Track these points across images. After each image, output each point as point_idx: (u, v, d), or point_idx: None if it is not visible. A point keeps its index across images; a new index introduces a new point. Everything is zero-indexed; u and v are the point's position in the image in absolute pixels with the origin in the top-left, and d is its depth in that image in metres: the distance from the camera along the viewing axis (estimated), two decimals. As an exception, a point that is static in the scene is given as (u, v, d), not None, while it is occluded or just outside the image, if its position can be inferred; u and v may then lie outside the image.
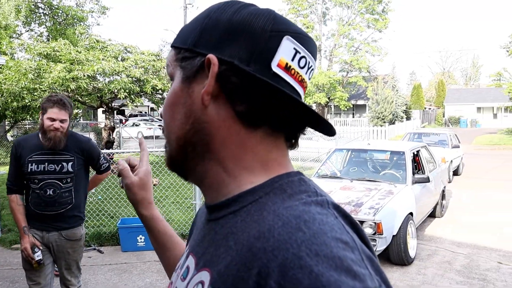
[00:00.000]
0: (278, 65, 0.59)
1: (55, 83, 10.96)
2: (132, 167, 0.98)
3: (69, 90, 11.31)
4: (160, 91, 12.90)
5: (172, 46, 0.68)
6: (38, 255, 2.84)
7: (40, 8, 19.49)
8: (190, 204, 6.79)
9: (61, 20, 19.09)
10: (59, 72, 10.73)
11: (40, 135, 2.83)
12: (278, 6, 46.07)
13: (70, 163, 2.89)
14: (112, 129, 13.80)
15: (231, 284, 0.51)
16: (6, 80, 11.14)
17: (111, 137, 13.73)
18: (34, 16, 19.24)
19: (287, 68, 0.60)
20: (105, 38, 13.17)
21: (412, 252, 5.14)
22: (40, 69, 11.22)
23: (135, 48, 13.24)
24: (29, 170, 2.81)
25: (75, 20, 18.66)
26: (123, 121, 33.07)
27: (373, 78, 31.58)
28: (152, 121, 32.89)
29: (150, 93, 12.64)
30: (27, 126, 21.48)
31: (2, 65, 12.07)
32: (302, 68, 0.62)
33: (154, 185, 9.58)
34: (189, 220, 6.55)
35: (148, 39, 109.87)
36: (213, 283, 0.55)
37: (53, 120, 2.73)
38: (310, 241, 0.48)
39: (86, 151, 3.02)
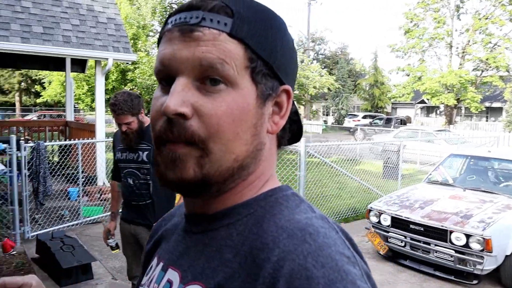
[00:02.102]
0: None
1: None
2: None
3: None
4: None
5: (235, 37, 0.56)
6: (110, 242, 3.09)
7: (173, 8, 21.24)
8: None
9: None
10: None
11: None
12: (405, 0, 43.66)
13: (145, 153, 2.85)
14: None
15: None
16: (141, 75, 12.46)
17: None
18: (166, 15, 21.03)
19: None
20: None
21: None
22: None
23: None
24: (116, 158, 2.99)
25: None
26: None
27: (513, 78, 28.25)
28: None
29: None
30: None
31: (136, 61, 13.55)
32: None
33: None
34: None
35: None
36: None
37: (119, 124, 2.80)
38: (316, 253, 0.48)
39: None
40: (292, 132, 0.68)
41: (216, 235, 0.58)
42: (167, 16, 0.60)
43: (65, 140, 9.14)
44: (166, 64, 0.56)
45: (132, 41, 17.93)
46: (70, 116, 10.74)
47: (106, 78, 18.78)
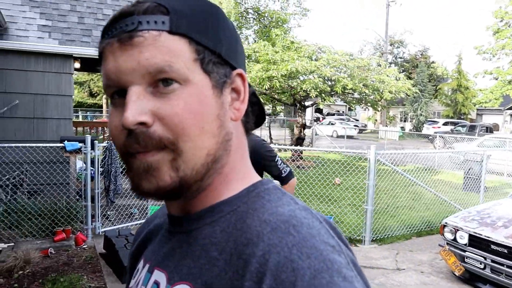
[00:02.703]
0: None
1: (253, 82, 12.02)
2: None
3: (265, 88, 12.26)
4: (351, 90, 12.87)
5: (176, 33, 0.54)
6: None
7: (249, 14, 21.57)
8: (362, 209, 6.60)
9: (266, 23, 20.79)
10: (257, 72, 11.71)
11: None
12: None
13: None
14: (303, 126, 14.36)
15: None
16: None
17: (302, 134, 14.32)
18: (243, 21, 21.42)
19: None
20: (301, 39, 13.81)
21: None
22: (242, 69, 12.43)
23: (329, 48, 13.48)
24: None
25: (279, 22, 20.06)
26: (320, 119, 34.24)
27: None
28: (348, 121, 33.15)
29: (340, 92, 12.73)
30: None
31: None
32: None
33: (337, 184, 9.66)
34: (359, 224, 6.39)
35: (347, 38, 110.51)
36: None
37: None
38: (300, 245, 0.48)
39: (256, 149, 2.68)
40: (254, 114, 0.68)
41: (200, 234, 0.58)
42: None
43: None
44: (114, 79, 0.54)
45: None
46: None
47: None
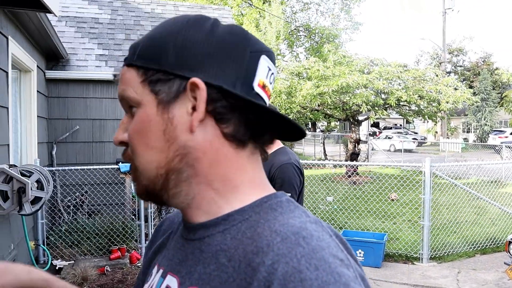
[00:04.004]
0: (258, 85, 0.62)
1: (303, 100, 12.00)
2: None
3: (316, 105, 12.18)
4: (405, 102, 12.47)
5: (129, 65, 0.62)
6: None
7: (300, 31, 21.69)
8: (418, 225, 6.31)
9: (317, 39, 20.78)
10: (308, 90, 11.68)
11: None
12: None
13: None
14: (358, 141, 14.08)
15: None
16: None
17: (356, 149, 14.04)
18: (293, 39, 21.56)
19: (263, 87, 0.63)
20: (352, 53, 13.61)
21: None
22: (292, 88, 12.46)
23: (381, 60, 13.20)
24: None
25: (330, 38, 19.99)
26: (377, 133, 33.43)
27: None
28: (406, 134, 32.09)
29: (394, 105, 12.37)
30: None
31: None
32: (271, 83, 0.65)
33: (393, 200, 9.33)
34: (416, 241, 6.10)
35: (402, 49, 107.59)
36: None
37: None
38: (309, 256, 0.49)
39: (274, 173, 2.47)
40: (265, 127, 0.64)
41: (212, 241, 0.60)
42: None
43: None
44: None
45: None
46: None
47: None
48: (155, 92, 0.59)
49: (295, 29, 21.30)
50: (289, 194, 2.38)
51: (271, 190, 0.65)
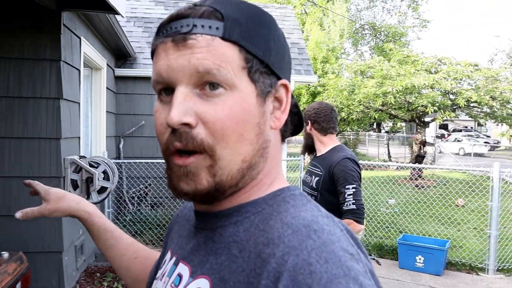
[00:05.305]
0: None
1: (365, 98, 11.72)
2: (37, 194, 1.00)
3: (379, 104, 11.85)
4: (476, 104, 11.78)
5: (228, 39, 0.56)
6: None
7: (365, 30, 21.20)
8: (484, 233, 5.95)
9: (383, 38, 20.19)
10: (370, 88, 11.39)
11: None
12: None
13: (316, 178, 2.54)
14: (423, 143, 13.52)
15: None
16: (328, 96, 12.77)
17: (421, 151, 13.50)
18: (358, 37, 21.10)
19: None
20: (418, 51, 13.10)
21: None
22: (355, 86, 12.21)
23: (450, 59, 12.56)
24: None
25: (396, 37, 19.35)
26: (445, 135, 31.93)
27: None
28: (477, 137, 30.34)
29: (463, 106, 11.73)
30: (350, 136, 23.79)
31: (325, 84, 13.87)
32: None
33: (460, 206, 8.87)
34: (481, 250, 5.76)
35: (473, 47, 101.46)
36: None
37: None
38: (320, 249, 0.49)
39: (334, 169, 2.45)
40: (293, 124, 0.70)
41: (225, 232, 0.60)
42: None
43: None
44: (163, 76, 0.57)
45: (322, 64, 18.58)
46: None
47: (298, 101, 19.78)
48: (254, 82, 0.58)
49: (359, 27, 20.86)
50: (354, 185, 2.36)
51: (286, 183, 0.66)
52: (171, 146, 0.57)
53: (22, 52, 3.51)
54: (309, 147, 2.74)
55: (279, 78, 0.62)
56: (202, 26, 0.55)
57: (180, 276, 0.64)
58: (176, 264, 0.67)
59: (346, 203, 2.35)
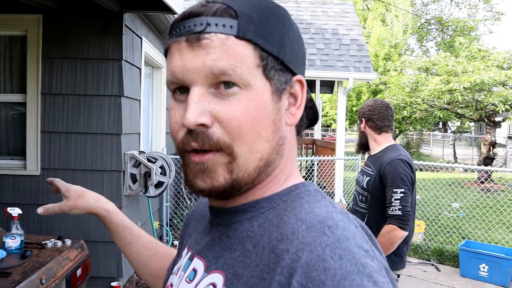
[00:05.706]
0: None
1: (430, 95, 11.22)
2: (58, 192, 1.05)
3: (444, 102, 11.30)
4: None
5: (250, 41, 0.55)
6: None
7: (431, 25, 20.26)
8: None
9: (450, 33, 19.19)
10: (435, 85, 10.89)
11: None
12: None
13: (367, 178, 2.46)
14: (493, 144, 12.74)
15: (252, 284, 0.53)
16: (389, 94, 12.38)
17: (490, 153, 12.73)
18: (423, 33, 20.19)
19: None
20: (490, 46, 12.29)
21: None
22: (418, 83, 11.73)
23: (526, 53, 11.69)
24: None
25: (465, 31, 18.31)
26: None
27: None
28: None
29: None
30: (414, 136, 22.91)
31: (387, 81, 13.42)
32: None
33: None
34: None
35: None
36: (228, 284, 0.56)
37: None
38: (334, 245, 0.48)
39: (384, 169, 2.35)
40: (308, 118, 0.71)
41: (240, 227, 0.60)
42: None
43: (312, 156, 9.82)
44: (178, 77, 0.57)
45: (384, 61, 18.02)
46: (317, 134, 11.51)
47: (358, 99, 19.36)
48: (269, 79, 0.57)
49: (425, 22, 19.94)
50: (403, 189, 2.26)
51: (301, 179, 0.65)
52: (187, 146, 0.57)
53: (88, 52, 3.72)
54: (363, 146, 2.66)
55: (294, 74, 0.61)
56: (216, 24, 0.54)
57: (194, 270, 0.64)
58: (191, 259, 0.67)
59: (392, 208, 2.25)
